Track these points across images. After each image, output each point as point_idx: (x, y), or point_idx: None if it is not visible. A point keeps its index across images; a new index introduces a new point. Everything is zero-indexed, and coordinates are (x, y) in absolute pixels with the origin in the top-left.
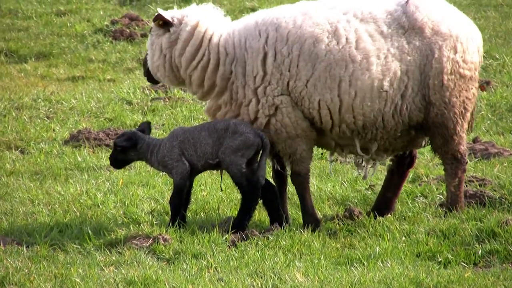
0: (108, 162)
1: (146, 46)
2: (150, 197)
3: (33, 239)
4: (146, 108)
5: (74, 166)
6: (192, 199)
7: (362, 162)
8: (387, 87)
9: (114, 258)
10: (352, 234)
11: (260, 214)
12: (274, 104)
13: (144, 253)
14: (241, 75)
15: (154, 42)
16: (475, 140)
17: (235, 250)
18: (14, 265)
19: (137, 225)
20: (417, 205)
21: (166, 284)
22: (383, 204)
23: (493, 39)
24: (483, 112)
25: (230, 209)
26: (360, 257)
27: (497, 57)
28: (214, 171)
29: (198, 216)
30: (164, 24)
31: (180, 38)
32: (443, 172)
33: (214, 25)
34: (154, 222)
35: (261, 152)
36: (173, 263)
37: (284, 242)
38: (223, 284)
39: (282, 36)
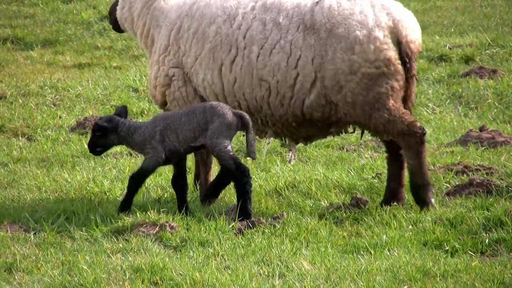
0: (115, 149)
1: None
2: (156, 185)
3: (40, 226)
4: None
5: (81, 153)
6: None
7: (288, 146)
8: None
9: (121, 245)
10: (358, 222)
11: (267, 202)
12: (168, 75)
13: (151, 240)
14: (156, 41)
15: None
16: (482, 129)
17: (241, 238)
18: (21, 252)
19: (144, 213)
20: None
21: (173, 272)
22: (391, 195)
23: (500, 27)
24: (489, 100)
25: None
26: (367, 245)
27: (504, 45)
28: None
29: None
30: None
31: None
32: (449, 161)
33: None
34: (161, 210)
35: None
36: (180, 250)
37: (290, 230)
38: (230, 272)
39: (192, 12)
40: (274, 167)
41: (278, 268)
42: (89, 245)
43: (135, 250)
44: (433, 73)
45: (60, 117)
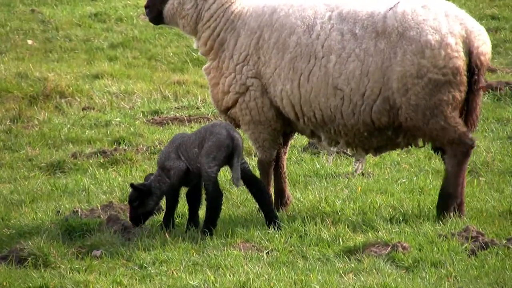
0: (347, 169)
1: None
2: (388, 205)
3: (273, 245)
4: None
5: (313, 172)
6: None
7: (358, 156)
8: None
9: (353, 265)
10: None
11: (500, 222)
12: (246, 84)
13: (383, 260)
14: (232, 47)
15: None
16: None
17: (475, 259)
18: (254, 270)
19: (375, 233)
20: None
21: None
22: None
23: None
24: None
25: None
26: None
27: None
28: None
29: (436, 225)
30: None
31: None
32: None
33: None
34: (393, 230)
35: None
36: (412, 271)
37: None
38: None
39: (271, 22)
40: (507, 187)
41: None
42: (321, 264)
43: (367, 270)
44: None
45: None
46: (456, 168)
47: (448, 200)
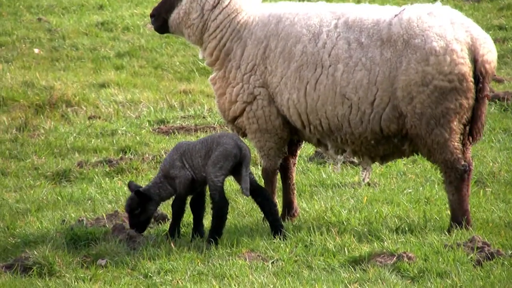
0: (353, 179)
1: None
2: (394, 215)
3: (278, 255)
4: None
5: (319, 182)
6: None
7: (364, 165)
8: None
9: (358, 275)
10: None
11: (506, 233)
12: (253, 93)
13: (389, 271)
14: (239, 57)
15: (195, 1)
16: None
17: (480, 270)
18: (259, 280)
19: (381, 243)
20: None
21: None
22: None
23: None
24: None
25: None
26: None
27: None
28: None
29: (442, 235)
30: None
31: (221, 4)
32: None
33: (247, 3)
34: (399, 240)
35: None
36: (418, 281)
37: None
38: None
39: (277, 31)
40: None
41: None
42: (326, 274)
43: (372, 280)
44: None
45: None
46: (456, 195)
47: (463, 223)
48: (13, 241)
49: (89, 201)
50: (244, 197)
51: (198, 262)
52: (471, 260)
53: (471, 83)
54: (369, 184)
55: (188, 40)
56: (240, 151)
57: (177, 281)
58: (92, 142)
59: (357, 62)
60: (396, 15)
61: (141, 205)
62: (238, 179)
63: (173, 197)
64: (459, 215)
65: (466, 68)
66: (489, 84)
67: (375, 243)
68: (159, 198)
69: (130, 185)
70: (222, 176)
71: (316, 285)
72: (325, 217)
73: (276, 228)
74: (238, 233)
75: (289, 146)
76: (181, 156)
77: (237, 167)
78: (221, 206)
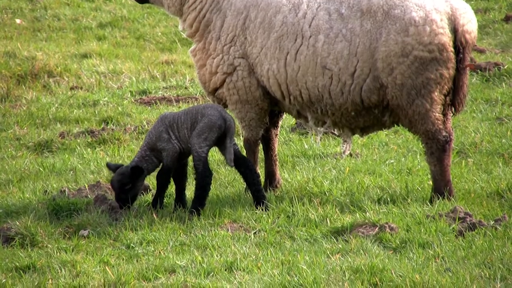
0: (335, 150)
1: None
2: (376, 185)
3: (261, 226)
4: None
5: (301, 153)
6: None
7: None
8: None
9: (340, 246)
10: None
11: (488, 204)
12: (233, 64)
13: (371, 241)
14: (219, 28)
15: None
16: None
17: (462, 240)
18: (241, 251)
19: (363, 213)
20: None
21: (393, 273)
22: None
23: None
24: None
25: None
26: None
27: None
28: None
29: (424, 205)
30: None
31: None
32: None
33: None
34: (380, 211)
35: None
36: (400, 252)
37: None
38: (450, 274)
39: (257, 2)
40: (496, 168)
41: (500, 271)
42: (308, 245)
43: (354, 251)
44: None
45: None
46: (438, 166)
47: (446, 194)
48: None
49: (71, 172)
50: (227, 167)
51: (180, 233)
52: (453, 231)
53: (451, 53)
54: (351, 155)
55: (167, 11)
56: (225, 122)
57: (159, 252)
58: (74, 113)
59: (338, 33)
60: None
61: (132, 181)
62: (222, 150)
63: (158, 169)
64: (441, 186)
65: (446, 38)
66: (470, 54)
67: (357, 214)
68: (146, 172)
69: (110, 166)
70: (207, 147)
71: (298, 255)
72: (307, 188)
73: (258, 198)
74: (220, 204)
75: (271, 117)
76: (167, 128)
77: (222, 138)
78: (205, 177)
